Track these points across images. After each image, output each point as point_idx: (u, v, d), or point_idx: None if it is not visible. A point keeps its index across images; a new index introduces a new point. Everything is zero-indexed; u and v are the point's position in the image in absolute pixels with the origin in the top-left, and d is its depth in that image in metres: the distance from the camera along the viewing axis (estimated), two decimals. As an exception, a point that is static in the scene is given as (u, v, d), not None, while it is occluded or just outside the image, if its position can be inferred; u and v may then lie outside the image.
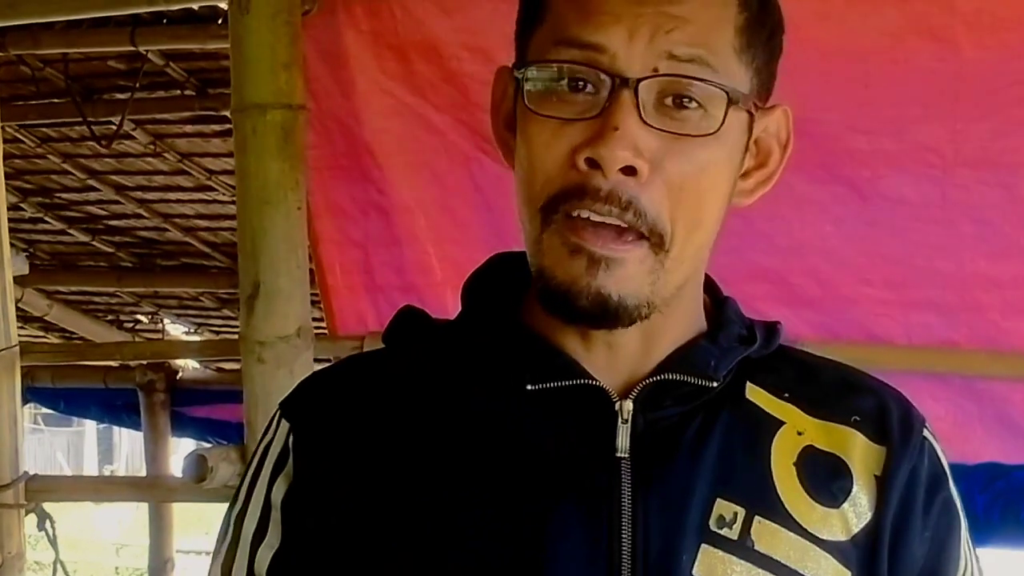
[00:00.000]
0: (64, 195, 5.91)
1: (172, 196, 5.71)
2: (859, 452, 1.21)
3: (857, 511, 1.19)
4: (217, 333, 7.36)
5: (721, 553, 1.13)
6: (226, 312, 6.97)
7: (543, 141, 1.12)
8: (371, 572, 1.15)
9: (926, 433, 1.25)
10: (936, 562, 1.21)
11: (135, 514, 15.27)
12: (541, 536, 1.12)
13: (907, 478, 1.21)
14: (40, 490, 3.93)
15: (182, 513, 6.63)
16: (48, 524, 3.97)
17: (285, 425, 1.24)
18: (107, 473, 19.22)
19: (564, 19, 1.13)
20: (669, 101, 1.10)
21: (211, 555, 1.28)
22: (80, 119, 4.89)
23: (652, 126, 1.09)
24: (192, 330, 7.41)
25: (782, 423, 1.21)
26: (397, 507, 1.15)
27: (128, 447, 21.57)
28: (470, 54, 3.15)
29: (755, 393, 1.23)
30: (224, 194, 5.49)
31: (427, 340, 1.28)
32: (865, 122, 2.83)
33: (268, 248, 3.17)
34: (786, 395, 1.23)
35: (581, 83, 1.11)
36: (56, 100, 4.90)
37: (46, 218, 6.07)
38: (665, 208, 1.10)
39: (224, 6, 3.90)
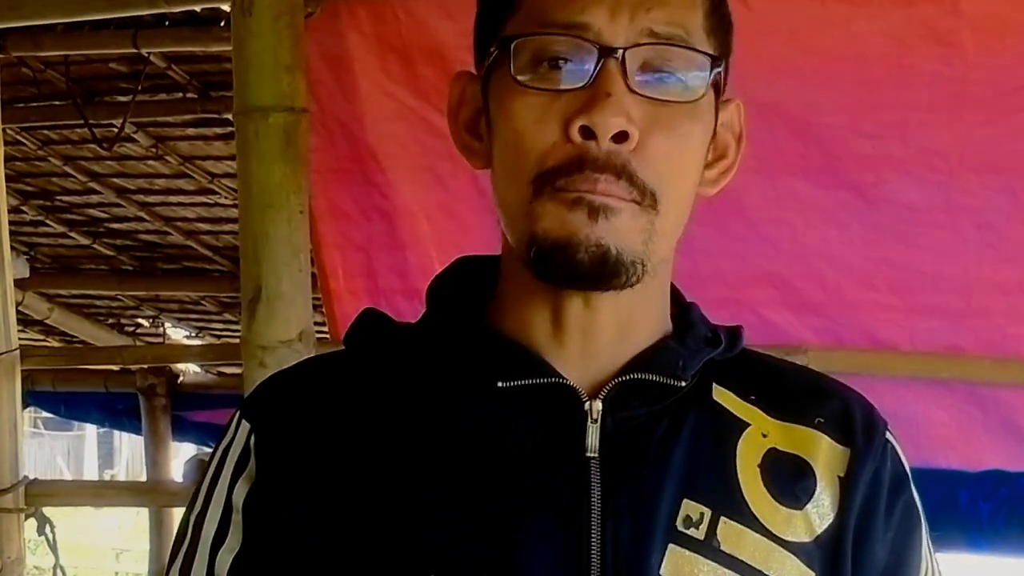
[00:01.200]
0: (65, 198, 5.92)
1: (174, 199, 5.72)
2: (823, 454, 1.22)
3: (820, 512, 1.20)
4: (218, 337, 7.38)
5: (688, 553, 1.14)
6: (227, 316, 6.98)
7: (533, 117, 1.12)
8: (342, 563, 1.14)
9: (888, 436, 1.27)
10: (897, 563, 1.23)
11: (135, 519, 15.28)
12: (511, 534, 1.13)
13: (870, 479, 1.22)
14: (40, 494, 3.95)
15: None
16: (48, 529, 3.98)
17: (246, 426, 1.23)
18: (107, 477, 19.24)
19: (543, 4, 1.14)
20: (651, 74, 1.12)
21: (168, 560, 1.26)
22: (82, 122, 4.90)
23: (640, 93, 1.11)
24: (193, 334, 7.43)
25: (747, 425, 1.23)
26: (363, 506, 1.15)
27: (128, 451, 21.58)
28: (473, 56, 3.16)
29: (721, 395, 1.24)
30: (226, 198, 5.49)
31: (390, 342, 1.27)
32: (870, 126, 2.84)
33: (270, 252, 3.17)
34: (752, 397, 1.25)
35: (563, 60, 1.12)
36: (57, 102, 4.91)
37: (47, 221, 6.09)
38: (655, 170, 1.12)
39: (226, 8, 3.92)
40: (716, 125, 1.20)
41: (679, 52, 1.13)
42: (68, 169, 5.54)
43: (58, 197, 5.91)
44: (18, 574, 3.87)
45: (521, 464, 1.15)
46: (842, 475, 1.21)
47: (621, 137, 1.10)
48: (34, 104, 4.89)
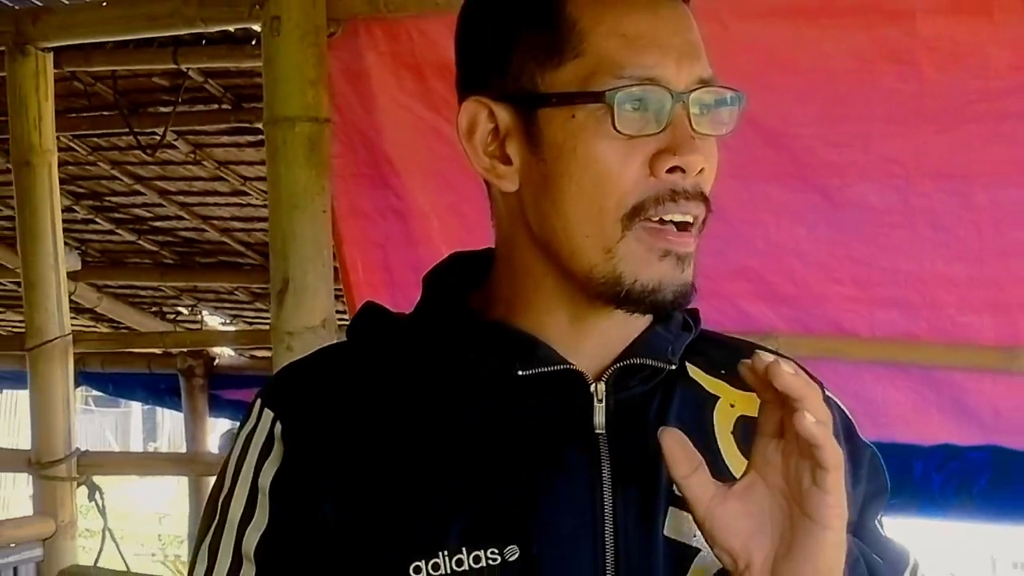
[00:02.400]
0: (113, 198, 5.92)
1: (210, 200, 5.72)
2: None
3: None
4: (250, 324, 7.38)
5: (684, 513, 1.14)
6: (258, 305, 6.98)
7: (617, 159, 1.13)
8: (373, 535, 1.13)
9: (828, 393, 1.28)
10: (871, 486, 1.29)
11: (176, 487, 15.25)
12: (535, 501, 1.13)
13: None
14: (90, 465, 3.96)
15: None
16: (97, 495, 3.98)
17: (269, 414, 1.21)
18: (151, 450, 19.25)
19: (614, 55, 1.13)
20: (702, 111, 1.15)
21: (195, 540, 1.25)
22: (127, 130, 4.91)
23: (703, 134, 1.14)
24: (228, 321, 7.43)
25: (717, 398, 1.25)
26: (397, 479, 1.15)
27: (170, 426, 21.57)
28: (480, 73, 3.15)
29: (695, 372, 1.26)
30: (257, 198, 5.49)
31: (392, 332, 1.26)
32: (836, 136, 2.83)
33: (297, 248, 3.18)
34: (722, 372, 1.26)
35: (638, 103, 1.12)
36: (106, 112, 4.93)
37: (96, 219, 6.09)
38: (707, 191, 1.17)
39: (257, 28, 3.92)
40: None
41: (720, 92, 1.16)
42: (115, 172, 5.54)
43: (106, 198, 5.91)
44: (71, 536, 3.88)
45: (537, 441, 1.16)
46: None
47: (701, 171, 1.14)
48: (85, 114, 4.90)
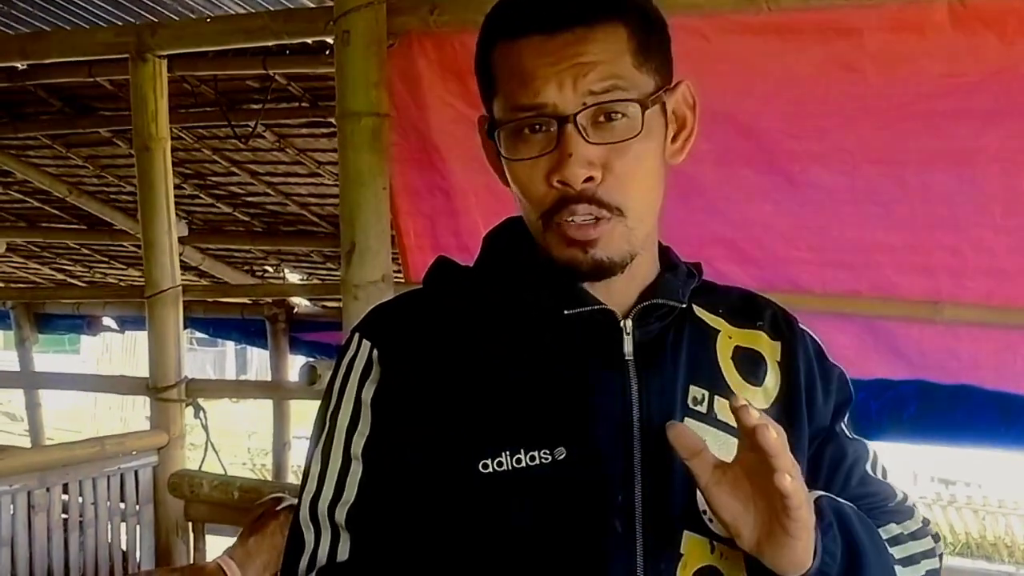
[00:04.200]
0: (213, 178, 5.93)
1: (291, 180, 5.72)
2: (766, 347, 1.29)
3: (772, 386, 1.27)
4: (323, 280, 7.40)
5: (696, 423, 1.19)
6: (329, 265, 7.00)
7: (524, 177, 1.16)
8: (452, 438, 1.16)
9: (802, 326, 1.35)
10: (831, 395, 1.33)
11: (261, 410, 15.33)
12: (580, 412, 1.17)
13: (803, 357, 1.30)
14: (196, 390, 3.99)
15: (296, 408, 6.70)
16: (201, 414, 4.02)
17: (367, 343, 1.24)
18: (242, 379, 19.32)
19: (511, 92, 1.16)
20: (602, 119, 1.14)
21: (308, 447, 1.28)
22: (226, 123, 4.93)
23: (593, 142, 1.13)
24: (305, 277, 7.45)
25: (718, 331, 1.28)
26: (470, 394, 1.18)
27: (257, 363, 21.72)
28: (511, 78, 3.15)
29: (700, 312, 1.29)
30: (329, 179, 5.50)
31: (459, 280, 1.29)
32: (797, 129, 2.83)
33: (361, 217, 3.20)
34: (720, 311, 1.30)
35: (537, 127, 1.14)
36: (208, 109, 4.94)
37: (200, 195, 6.10)
38: (618, 191, 1.15)
39: (330, 40, 3.92)
40: (667, 115, 1.21)
41: (605, 106, 1.13)
42: (216, 157, 5.56)
43: (208, 177, 5.93)
44: (180, 447, 3.92)
45: (579, 365, 1.19)
46: (780, 360, 1.29)
47: (588, 180, 1.13)
48: (192, 110, 4.91)
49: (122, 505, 3.82)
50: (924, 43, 2.63)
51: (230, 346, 21.43)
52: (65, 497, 3.65)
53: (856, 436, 1.34)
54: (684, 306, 1.26)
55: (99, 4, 4.07)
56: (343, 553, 1.19)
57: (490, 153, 1.26)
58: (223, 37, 3.61)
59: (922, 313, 2.88)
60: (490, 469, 1.14)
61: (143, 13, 4.10)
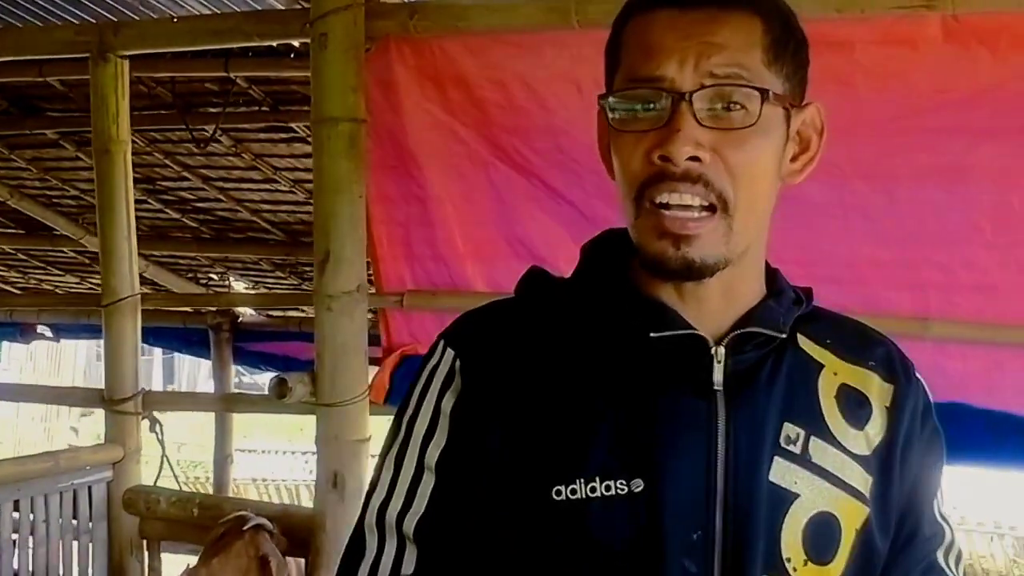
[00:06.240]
0: (163, 183, 5.80)
1: (245, 186, 5.60)
2: (875, 388, 1.22)
3: (875, 432, 1.20)
4: (270, 289, 7.30)
5: (788, 463, 1.14)
6: (278, 274, 6.90)
7: (628, 151, 1.11)
8: (526, 459, 1.12)
9: (917, 375, 1.26)
10: (923, 464, 1.23)
11: (190, 421, 14.89)
12: (660, 443, 1.11)
13: (910, 409, 1.22)
14: (153, 402, 3.89)
15: (239, 420, 6.59)
16: (158, 428, 3.91)
17: (450, 352, 1.20)
18: (169, 390, 18.98)
19: (633, 62, 1.12)
20: (719, 106, 1.09)
21: (379, 453, 1.23)
22: (179, 125, 4.83)
23: (705, 126, 1.08)
24: (251, 286, 7.34)
25: (823, 365, 1.21)
26: (548, 415, 1.13)
27: (188, 372, 21.44)
28: (490, 84, 3.11)
29: (804, 342, 1.22)
30: (284, 186, 5.41)
31: (551, 293, 1.24)
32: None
33: (337, 225, 3.13)
34: (828, 342, 1.23)
35: (650, 104, 1.10)
36: (163, 111, 4.82)
37: (148, 200, 5.96)
38: (727, 181, 1.09)
39: (296, 44, 3.85)
40: (789, 130, 1.16)
41: (735, 89, 1.09)
42: (167, 162, 5.42)
43: (158, 182, 5.79)
44: (136, 460, 3.81)
45: (664, 393, 1.14)
46: (888, 405, 1.21)
47: (694, 159, 1.08)
48: (146, 112, 4.78)
49: (74, 522, 3.70)
50: (916, 57, 2.63)
51: (157, 354, 21.05)
52: (16, 515, 3.53)
53: (943, 517, 1.27)
54: (783, 336, 1.19)
55: (55, 1, 3.95)
56: (408, 566, 1.16)
57: (602, 136, 1.20)
58: (191, 38, 3.51)
59: (911, 329, 2.85)
60: (563, 496, 1.10)
61: (101, 12, 3.98)
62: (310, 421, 3.33)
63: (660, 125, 1.09)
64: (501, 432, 1.13)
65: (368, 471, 3.29)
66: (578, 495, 1.09)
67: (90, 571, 3.74)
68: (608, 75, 1.18)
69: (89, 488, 3.73)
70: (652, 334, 1.14)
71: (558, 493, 1.09)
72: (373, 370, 3.34)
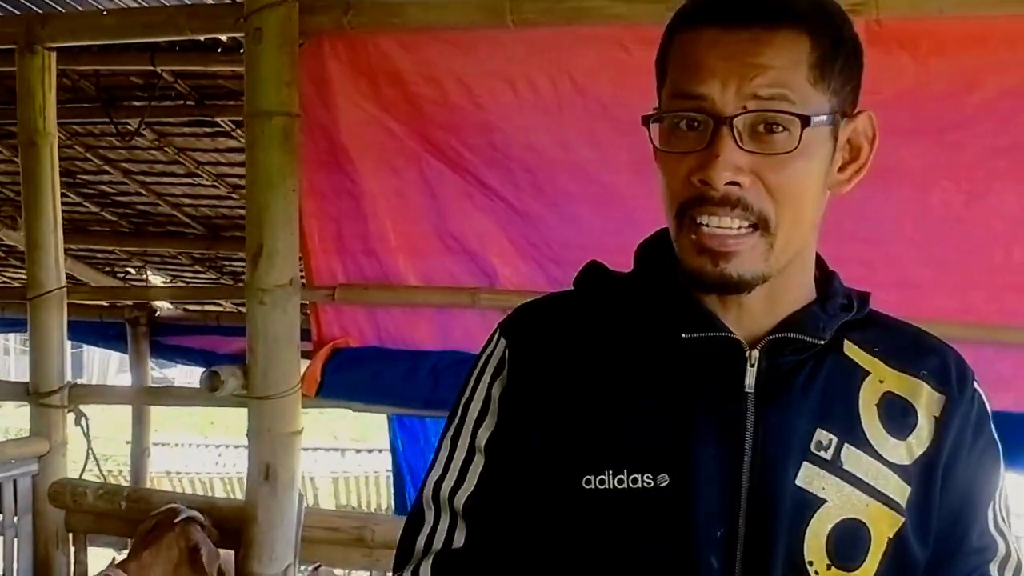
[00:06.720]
0: (83, 176, 5.73)
1: (167, 180, 5.57)
2: (925, 399, 1.21)
3: (918, 442, 1.19)
4: (187, 283, 7.24)
5: (817, 469, 1.15)
6: (197, 268, 6.86)
7: (670, 169, 1.12)
8: (561, 448, 1.17)
9: (976, 385, 1.24)
10: (973, 481, 1.22)
11: (101, 414, 14.65)
12: (687, 441, 1.14)
13: (961, 420, 1.21)
14: (79, 395, 3.86)
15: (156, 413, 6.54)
16: (83, 421, 3.89)
17: (503, 342, 1.25)
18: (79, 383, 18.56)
19: (677, 79, 1.13)
20: (761, 128, 1.09)
21: (443, 430, 1.29)
22: (102, 119, 4.78)
23: (745, 149, 1.08)
24: (169, 280, 7.27)
25: (869, 373, 1.21)
26: (583, 407, 1.17)
27: (97, 364, 21.09)
28: (424, 81, 3.14)
29: (851, 349, 1.22)
30: (207, 180, 5.39)
31: (607, 288, 1.27)
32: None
33: (269, 219, 3.13)
34: (876, 349, 1.22)
35: (695, 123, 1.10)
36: (86, 105, 4.77)
37: (68, 193, 5.87)
38: (768, 203, 1.10)
39: (223, 38, 3.85)
40: (836, 143, 1.16)
41: (777, 115, 1.08)
42: (88, 155, 5.37)
43: (78, 176, 5.72)
44: (62, 454, 3.79)
45: (696, 392, 1.16)
46: (937, 415, 1.20)
47: (734, 184, 1.09)
48: (68, 105, 4.72)
49: (-1, 516, 3.67)
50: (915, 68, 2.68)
51: (66, 347, 20.65)
52: (-62, 509, 3.49)
53: (1000, 531, 1.25)
54: (822, 343, 1.18)
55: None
56: (459, 540, 1.23)
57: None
58: (122, 31, 3.50)
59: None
60: (592, 486, 1.14)
61: (28, 4, 3.94)
62: (222, 414, 3.35)
63: (701, 147, 1.09)
64: (541, 421, 1.18)
65: (299, 463, 3.32)
66: (606, 485, 1.13)
67: (15, 565, 3.70)
68: (658, 86, 1.19)
69: (15, 482, 3.69)
70: (683, 335, 1.17)
71: (588, 482, 1.14)
72: (305, 363, 3.36)
